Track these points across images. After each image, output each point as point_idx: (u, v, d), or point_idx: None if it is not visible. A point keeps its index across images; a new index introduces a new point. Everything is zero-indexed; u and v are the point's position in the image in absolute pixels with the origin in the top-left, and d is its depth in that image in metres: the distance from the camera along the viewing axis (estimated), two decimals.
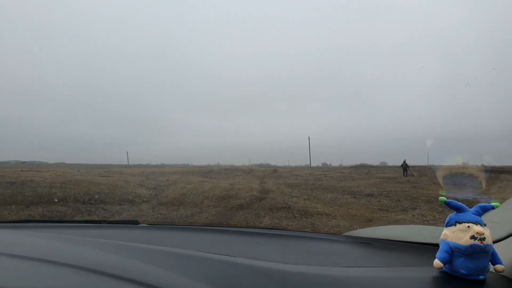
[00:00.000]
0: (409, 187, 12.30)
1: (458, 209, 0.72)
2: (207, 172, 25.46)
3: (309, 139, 47.07)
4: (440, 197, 0.74)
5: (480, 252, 0.66)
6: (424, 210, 7.33)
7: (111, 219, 6.09)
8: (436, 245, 0.74)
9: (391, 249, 0.98)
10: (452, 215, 0.73)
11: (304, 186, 13.36)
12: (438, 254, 0.71)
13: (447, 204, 0.73)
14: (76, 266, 0.56)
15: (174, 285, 0.53)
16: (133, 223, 1.32)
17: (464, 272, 0.67)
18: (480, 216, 0.71)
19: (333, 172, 26.10)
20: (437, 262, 0.70)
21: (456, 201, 0.73)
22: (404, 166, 21.18)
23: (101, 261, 0.60)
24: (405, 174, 20.12)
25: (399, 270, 0.78)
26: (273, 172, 27.11)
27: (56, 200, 7.81)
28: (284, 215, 6.69)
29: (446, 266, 0.71)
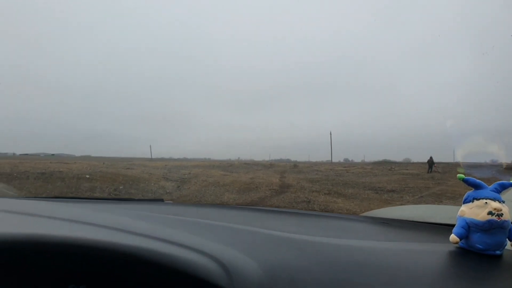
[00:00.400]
0: (433, 183, 11.96)
1: (476, 186, 0.72)
2: (228, 166, 25.66)
3: (330, 134, 46.38)
4: (458, 175, 0.74)
5: (497, 228, 0.67)
6: None
7: None
8: (454, 225, 0.75)
9: (408, 228, 0.99)
10: (470, 192, 0.73)
11: (325, 181, 13.25)
12: (454, 229, 0.72)
13: (465, 181, 0.73)
14: (109, 227, 0.61)
15: (199, 245, 0.56)
16: (159, 200, 1.40)
17: (480, 247, 0.68)
18: (499, 193, 0.71)
19: (355, 167, 25.72)
20: (453, 237, 0.71)
21: (474, 178, 0.73)
22: (430, 163, 20.62)
23: (131, 224, 0.65)
24: (429, 171, 19.60)
25: (414, 245, 0.79)
26: (294, 167, 26.99)
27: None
28: (304, 209, 6.68)
29: (463, 241, 0.72)
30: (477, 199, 0.70)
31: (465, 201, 0.73)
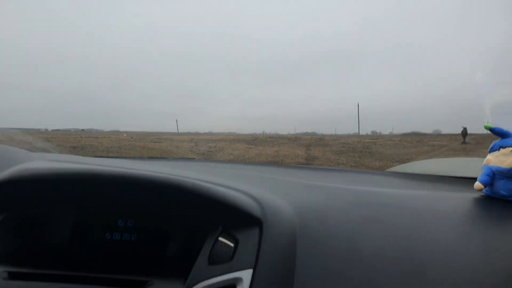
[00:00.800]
0: (464, 155, 11.55)
1: (503, 135, 0.72)
2: (253, 140, 25.74)
3: (358, 106, 45.42)
4: (485, 125, 0.74)
5: None
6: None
7: None
8: None
9: (432, 181, 1.01)
10: (496, 141, 0.74)
11: (352, 153, 13.07)
12: (479, 177, 0.73)
13: (492, 130, 0.73)
14: (154, 171, 0.66)
15: (234, 185, 0.61)
16: (191, 159, 1.49)
17: (504, 193, 0.69)
18: None
19: (383, 140, 25.14)
20: (477, 184, 0.72)
21: (501, 128, 0.73)
22: (464, 134, 19.83)
23: (173, 170, 0.70)
24: (463, 142, 18.90)
25: (438, 193, 0.81)
26: (320, 140, 26.70)
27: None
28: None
29: (487, 189, 0.73)
30: (503, 147, 0.70)
31: (491, 150, 0.74)
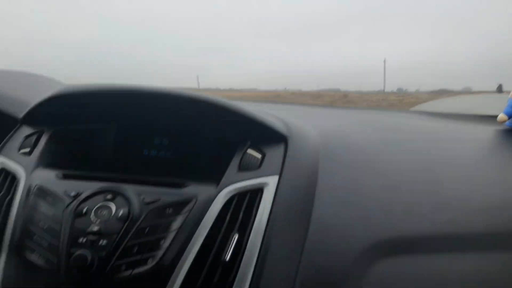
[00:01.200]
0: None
1: None
2: (275, 96, 25.38)
3: (384, 62, 43.36)
4: None
5: None
6: None
7: None
8: None
9: (456, 118, 1.01)
10: None
11: None
12: (504, 109, 0.73)
13: None
14: None
15: (262, 112, 0.64)
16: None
17: None
18: None
19: (409, 97, 24.28)
20: (501, 116, 0.72)
21: None
22: (499, 91, 18.80)
23: None
24: None
25: (460, 126, 0.82)
26: (343, 97, 26.04)
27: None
28: None
29: (510, 121, 0.73)
30: None
31: None
